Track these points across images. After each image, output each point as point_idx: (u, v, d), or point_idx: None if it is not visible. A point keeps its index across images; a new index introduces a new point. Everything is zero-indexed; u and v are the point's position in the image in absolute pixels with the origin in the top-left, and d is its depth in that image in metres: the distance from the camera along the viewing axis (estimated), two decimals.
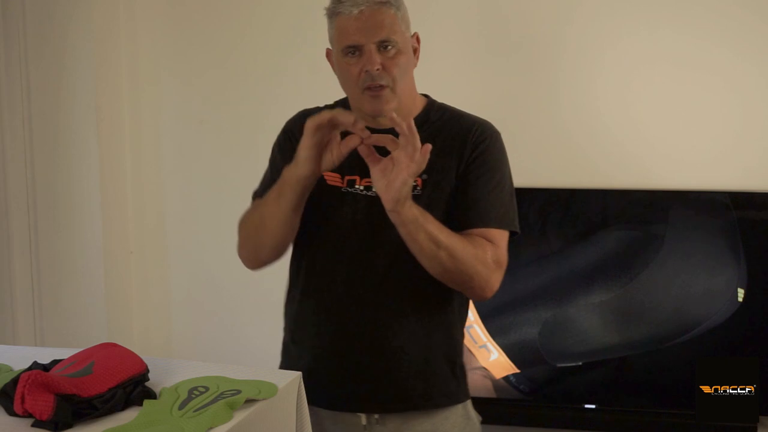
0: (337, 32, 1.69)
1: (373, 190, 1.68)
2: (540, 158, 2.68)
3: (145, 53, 2.98)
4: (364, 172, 1.67)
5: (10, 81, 2.86)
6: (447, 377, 1.80)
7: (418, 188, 1.71)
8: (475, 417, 1.87)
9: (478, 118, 1.81)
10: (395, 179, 1.55)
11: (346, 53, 1.68)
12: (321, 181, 1.73)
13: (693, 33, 2.59)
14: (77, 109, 2.84)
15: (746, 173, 2.57)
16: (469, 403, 1.86)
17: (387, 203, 1.58)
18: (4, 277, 2.91)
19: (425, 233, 1.60)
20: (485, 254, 1.67)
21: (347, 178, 1.75)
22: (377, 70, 1.65)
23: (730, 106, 2.59)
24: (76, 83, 2.84)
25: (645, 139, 2.64)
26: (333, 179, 1.75)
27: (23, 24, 2.83)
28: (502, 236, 1.72)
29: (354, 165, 1.70)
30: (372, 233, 1.72)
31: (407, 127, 1.52)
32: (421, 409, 1.77)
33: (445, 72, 2.69)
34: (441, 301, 1.77)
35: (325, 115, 1.59)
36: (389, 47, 1.67)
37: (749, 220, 2.52)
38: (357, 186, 1.74)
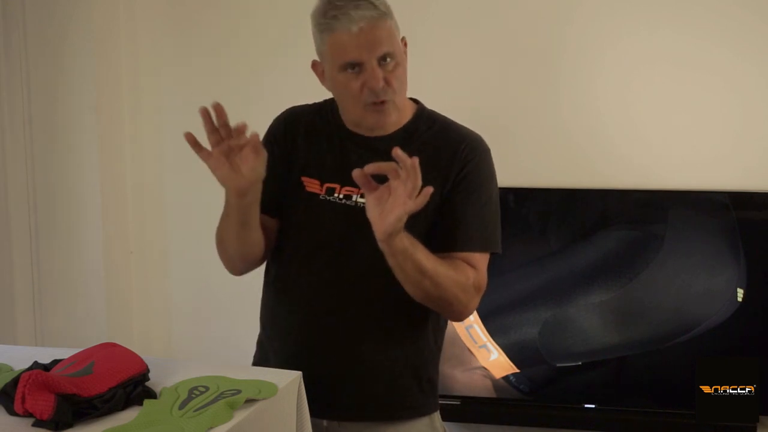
0: (331, 48, 1.64)
1: (353, 199, 1.67)
2: (540, 158, 2.68)
3: (145, 53, 2.98)
4: (345, 181, 1.65)
5: (10, 81, 2.86)
6: (413, 391, 1.77)
7: None
8: (440, 428, 1.83)
9: (469, 131, 1.76)
10: (390, 213, 1.50)
11: (344, 69, 1.64)
12: (300, 187, 1.72)
13: (693, 33, 2.59)
14: (77, 109, 2.84)
15: (746, 173, 2.57)
16: (436, 414, 1.82)
17: (379, 234, 1.54)
18: (4, 277, 2.91)
19: (413, 263, 1.58)
20: (467, 281, 1.66)
21: (326, 185, 1.72)
22: (381, 86, 1.62)
23: (730, 106, 2.59)
24: (76, 83, 2.84)
25: (645, 140, 2.64)
26: (312, 186, 1.73)
27: (23, 24, 2.83)
28: (483, 259, 1.71)
29: (334, 173, 1.69)
30: (347, 244, 1.69)
31: (411, 165, 1.48)
32: (381, 420, 1.75)
33: (445, 72, 2.69)
34: (413, 315, 1.73)
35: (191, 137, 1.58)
36: (389, 60, 1.63)
37: (749, 220, 2.52)
38: (336, 195, 1.71)
